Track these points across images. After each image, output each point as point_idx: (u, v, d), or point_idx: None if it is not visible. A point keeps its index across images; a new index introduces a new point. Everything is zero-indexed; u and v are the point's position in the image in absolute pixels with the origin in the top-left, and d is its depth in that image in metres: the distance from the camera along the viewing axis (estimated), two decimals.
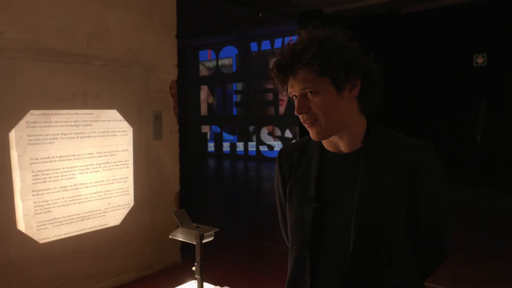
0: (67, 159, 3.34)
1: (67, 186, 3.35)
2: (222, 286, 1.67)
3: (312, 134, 1.18)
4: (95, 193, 3.54)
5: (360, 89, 1.16)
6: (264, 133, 13.04)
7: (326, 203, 1.21)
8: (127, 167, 3.76)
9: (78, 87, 3.41)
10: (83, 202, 3.46)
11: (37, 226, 3.18)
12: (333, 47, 1.10)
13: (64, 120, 3.31)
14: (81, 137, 3.43)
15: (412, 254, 1.22)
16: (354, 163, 1.20)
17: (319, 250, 1.21)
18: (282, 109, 12.62)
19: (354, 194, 1.17)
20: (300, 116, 1.16)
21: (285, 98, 12.47)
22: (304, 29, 1.16)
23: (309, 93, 1.12)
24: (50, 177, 3.24)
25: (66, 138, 3.33)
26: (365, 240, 1.15)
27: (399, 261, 1.19)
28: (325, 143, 1.25)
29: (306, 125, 1.17)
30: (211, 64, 14.21)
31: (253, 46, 12.93)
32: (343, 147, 1.22)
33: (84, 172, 3.46)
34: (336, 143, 1.22)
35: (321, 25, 1.16)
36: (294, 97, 1.17)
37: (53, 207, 3.27)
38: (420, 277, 1.26)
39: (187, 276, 1.84)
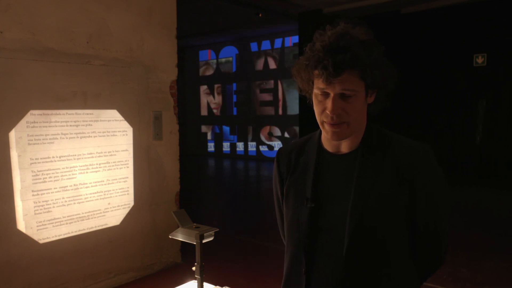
0: (67, 159, 3.34)
1: (67, 186, 3.35)
2: (222, 286, 1.67)
3: (334, 135, 1.14)
4: (95, 193, 3.54)
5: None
6: (263, 133, 13.03)
7: (322, 203, 1.20)
8: (127, 167, 3.76)
9: (78, 87, 3.41)
10: (83, 202, 3.46)
11: (37, 226, 3.18)
12: (381, 54, 1.12)
13: (64, 120, 3.31)
14: (81, 137, 3.43)
15: (410, 256, 1.20)
16: (351, 163, 1.19)
17: (315, 250, 1.20)
18: (281, 109, 12.61)
19: (350, 193, 1.16)
20: (329, 117, 1.12)
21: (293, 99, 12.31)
22: (341, 21, 1.15)
23: (345, 94, 1.11)
24: (50, 177, 3.24)
25: (66, 138, 3.33)
26: (359, 240, 1.14)
27: (396, 262, 1.18)
28: (325, 143, 1.24)
29: (331, 126, 1.13)
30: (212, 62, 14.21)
31: (253, 46, 12.93)
32: (344, 147, 1.21)
33: (84, 172, 3.46)
34: (338, 144, 1.22)
35: (352, 22, 1.15)
36: (322, 94, 1.12)
37: (53, 207, 3.27)
38: (418, 280, 1.25)
39: (187, 276, 1.84)
